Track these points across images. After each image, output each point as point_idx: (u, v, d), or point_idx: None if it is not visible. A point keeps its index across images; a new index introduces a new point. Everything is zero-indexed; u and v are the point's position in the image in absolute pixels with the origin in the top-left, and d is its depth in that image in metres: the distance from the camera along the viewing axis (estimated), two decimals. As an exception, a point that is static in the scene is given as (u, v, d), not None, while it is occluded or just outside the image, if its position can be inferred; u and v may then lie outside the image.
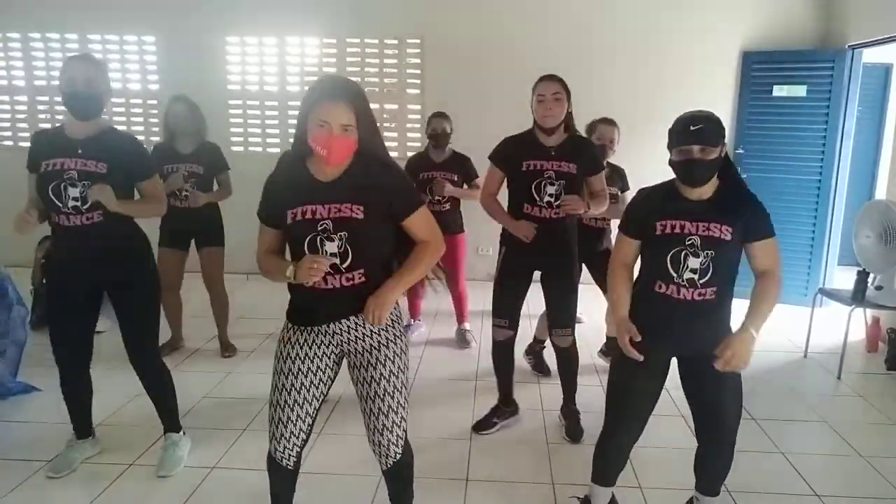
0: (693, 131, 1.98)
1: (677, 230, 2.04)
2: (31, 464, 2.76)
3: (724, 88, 5.55)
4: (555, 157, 2.88)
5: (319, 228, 1.85)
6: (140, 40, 5.84)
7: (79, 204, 2.44)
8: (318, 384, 2.00)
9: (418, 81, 5.78)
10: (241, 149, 5.89)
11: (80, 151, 2.45)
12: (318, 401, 2.02)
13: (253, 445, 2.97)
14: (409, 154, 5.77)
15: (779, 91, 5.33)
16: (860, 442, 3.15)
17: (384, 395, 1.98)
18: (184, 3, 5.68)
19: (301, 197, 1.88)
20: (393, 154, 5.93)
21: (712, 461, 2.27)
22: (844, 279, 4.77)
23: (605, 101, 5.63)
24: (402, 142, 5.89)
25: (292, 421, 1.98)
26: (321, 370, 1.99)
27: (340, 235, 1.85)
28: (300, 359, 1.97)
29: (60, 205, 2.44)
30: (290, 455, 2.01)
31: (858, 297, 4.03)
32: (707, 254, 2.02)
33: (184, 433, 2.88)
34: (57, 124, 2.55)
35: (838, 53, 5.11)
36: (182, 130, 3.85)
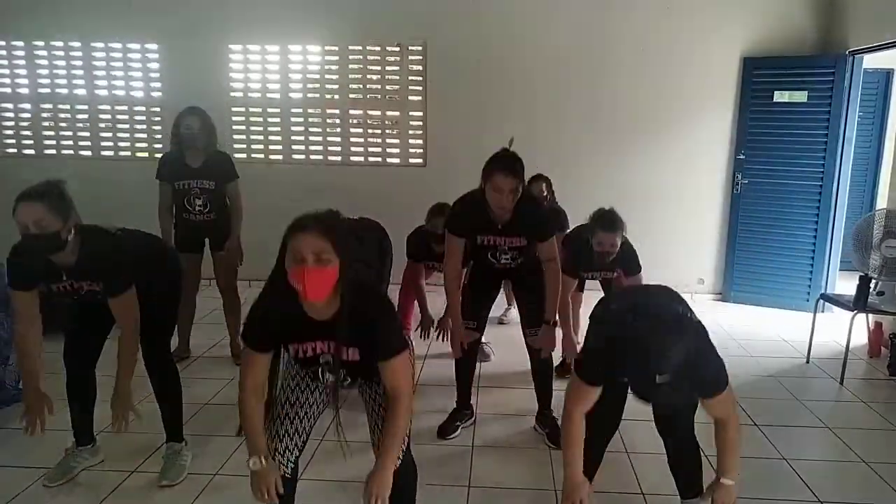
0: (658, 382, 1.92)
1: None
2: (31, 471, 2.76)
3: (724, 94, 5.56)
4: (504, 233, 2.98)
5: (322, 362, 1.94)
6: (143, 48, 5.86)
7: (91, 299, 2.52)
8: (320, 404, 2.08)
9: (420, 88, 5.79)
10: (244, 156, 5.90)
11: (65, 278, 2.45)
12: (318, 414, 2.09)
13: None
14: (411, 161, 5.85)
15: (779, 97, 5.34)
16: (863, 447, 3.15)
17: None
18: (187, 12, 5.70)
19: (300, 334, 1.90)
20: (394, 161, 5.96)
21: (679, 461, 2.30)
22: (846, 284, 4.76)
23: (607, 107, 5.66)
24: (405, 149, 5.90)
25: (289, 435, 2.04)
26: (320, 390, 2.06)
27: (342, 371, 1.95)
28: (300, 376, 2.00)
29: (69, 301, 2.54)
30: (287, 462, 2.05)
31: (860, 302, 4.03)
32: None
33: (186, 444, 2.87)
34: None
35: (839, 59, 5.12)
36: (193, 144, 3.84)
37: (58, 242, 2.34)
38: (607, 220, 3.34)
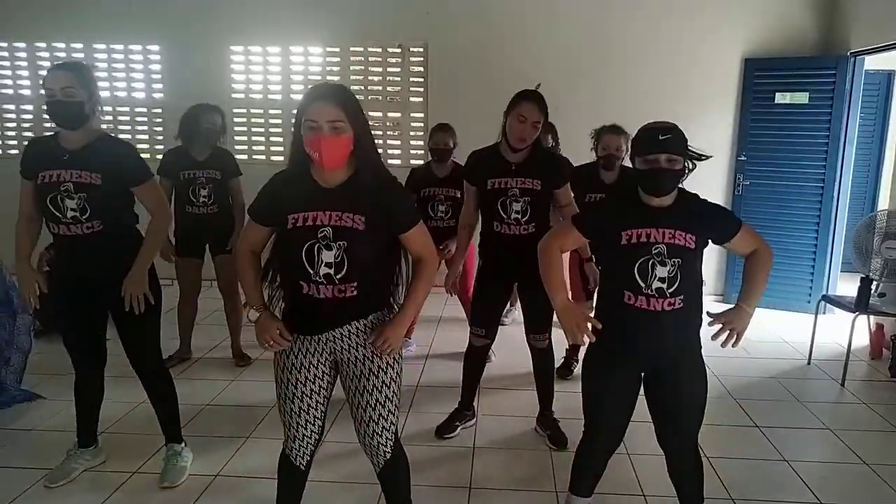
0: (661, 140, 1.99)
1: (643, 239, 2.02)
2: (32, 472, 2.76)
3: (726, 95, 5.56)
4: (517, 174, 2.90)
5: (319, 236, 1.86)
6: (145, 49, 5.88)
7: (77, 214, 2.44)
8: (319, 390, 2.03)
9: (422, 90, 5.80)
10: (245, 157, 5.90)
11: (66, 158, 2.44)
12: (322, 405, 2.06)
13: (256, 453, 2.97)
14: (413, 162, 5.85)
15: (781, 98, 5.34)
16: (864, 449, 3.14)
17: (375, 401, 2.00)
18: (188, 13, 5.72)
19: (303, 202, 1.88)
20: (396, 163, 5.99)
21: (679, 468, 2.26)
22: (848, 286, 4.76)
23: (608, 108, 5.65)
24: (406, 150, 5.91)
25: (301, 425, 2.03)
26: (318, 378, 2.01)
27: (339, 244, 1.85)
28: (297, 368, 1.99)
29: (59, 216, 2.45)
30: (304, 454, 2.06)
31: (862, 304, 4.02)
32: (674, 262, 2.00)
33: (185, 444, 2.87)
34: (51, 133, 2.54)
35: (840, 60, 5.12)
36: (211, 141, 3.86)
37: (80, 114, 2.42)
38: (611, 125, 3.63)
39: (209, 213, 3.86)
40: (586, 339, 2.07)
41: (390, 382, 2.02)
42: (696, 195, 2.17)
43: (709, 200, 2.17)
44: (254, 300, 1.99)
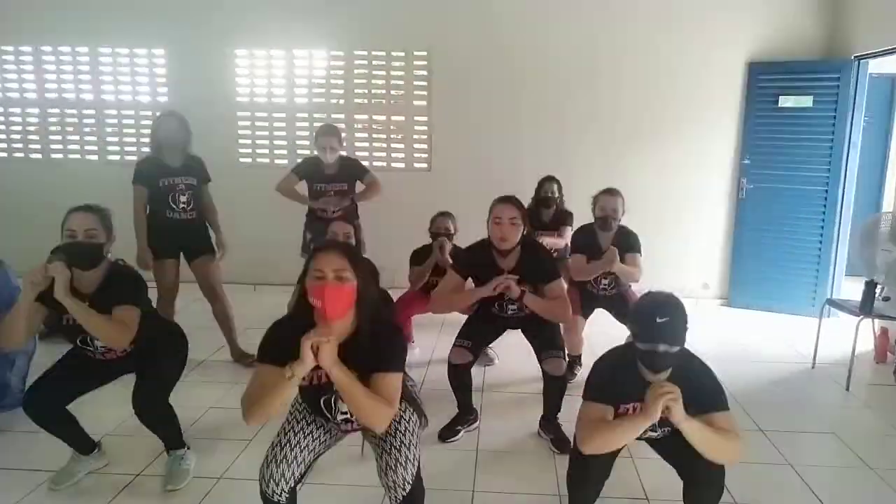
0: (660, 325, 2.03)
1: (639, 412, 2.09)
2: (37, 475, 2.77)
3: (729, 99, 5.56)
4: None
5: (335, 389, 1.94)
6: (150, 53, 5.90)
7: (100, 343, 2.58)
8: (323, 439, 2.13)
9: (425, 93, 5.81)
10: (250, 160, 5.93)
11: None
12: (317, 453, 2.13)
13: (259, 456, 2.93)
14: (416, 166, 5.86)
15: (785, 102, 5.33)
16: (869, 453, 3.13)
17: (399, 444, 2.03)
18: (193, 17, 5.74)
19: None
20: (399, 166, 6.00)
21: (699, 497, 2.23)
22: (852, 289, 4.75)
23: (612, 113, 5.67)
24: (409, 154, 5.91)
25: (287, 461, 2.01)
26: (326, 428, 2.12)
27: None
28: (308, 411, 2.11)
29: (91, 350, 2.62)
30: (282, 491, 2.01)
31: (867, 307, 4.01)
32: (665, 430, 2.19)
33: (188, 448, 2.87)
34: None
35: (844, 64, 5.12)
36: (172, 145, 3.88)
37: (98, 256, 2.51)
38: (606, 188, 3.81)
39: (188, 219, 3.93)
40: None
41: (413, 428, 2.13)
42: (696, 364, 2.20)
43: (708, 373, 2.19)
44: (282, 372, 1.87)
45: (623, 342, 2.37)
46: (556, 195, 4.64)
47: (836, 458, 3.14)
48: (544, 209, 4.66)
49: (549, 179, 4.65)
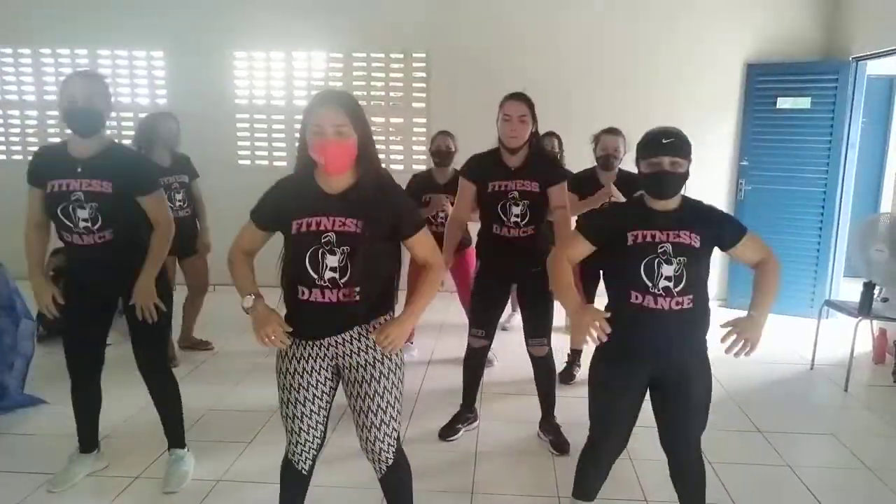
0: (665, 144, 2.05)
1: (649, 239, 2.05)
2: (35, 477, 2.77)
3: (728, 100, 5.57)
4: (517, 177, 2.95)
5: (323, 241, 1.87)
6: (149, 55, 5.91)
7: (89, 224, 2.46)
8: (322, 395, 2.03)
9: (424, 95, 5.81)
10: (248, 162, 5.93)
11: (79, 171, 2.44)
12: (324, 410, 2.06)
13: (258, 458, 2.97)
14: (415, 167, 5.86)
15: (783, 103, 5.35)
16: (867, 454, 3.14)
17: (376, 406, 2.00)
18: (192, 19, 5.75)
19: (308, 207, 1.90)
20: (398, 168, 6.01)
21: (682, 470, 2.26)
22: (851, 291, 4.75)
23: (610, 114, 5.66)
24: (408, 155, 5.92)
25: (304, 430, 2.03)
26: (321, 383, 2.01)
27: (343, 249, 1.86)
28: (299, 373, 1.99)
29: (71, 225, 2.46)
30: (306, 459, 2.06)
31: (865, 308, 4.02)
32: (679, 260, 2.03)
33: (188, 449, 2.87)
34: (59, 140, 2.55)
35: (842, 65, 5.13)
36: (171, 145, 3.97)
37: (99, 122, 2.47)
38: (608, 128, 3.78)
39: (184, 216, 3.95)
40: (603, 338, 2.06)
41: (392, 388, 2.01)
42: (700, 201, 2.20)
43: (715, 207, 2.20)
44: (247, 290, 1.98)
45: None
46: (557, 150, 4.51)
47: (835, 459, 3.14)
48: None
49: (550, 135, 4.51)
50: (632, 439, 2.27)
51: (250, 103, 5.94)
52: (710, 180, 5.66)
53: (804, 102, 5.26)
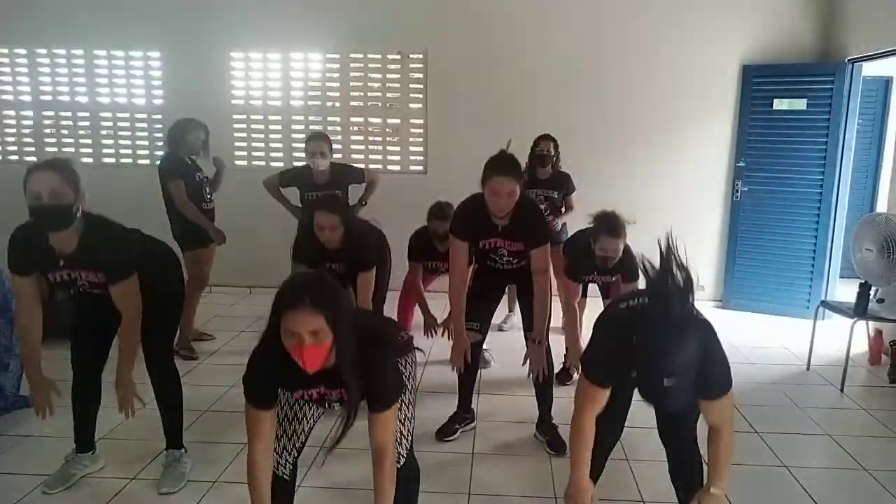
0: (667, 385, 1.80)
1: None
2: (31, 478, 2.76)
3: (724, 102, 5.58)
4: (505, 235, 3.01)
5: (326, 401, 1.99)
6: (145, 56, 5.89)
7: (100, 291, 2.52)
8: (312, 416, 2.11)
9: (421, 96, 5.81)
10: (245, 163, 5.92)
11: (62, 264, 2.39)
12: (313, 421, 2.11)
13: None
14: (412, 168, 5.87)
15: (779, 104, 5.36)
16: (863, 455, 3.14)
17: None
18: (189, 19, 5.73)
19: (302, 383, 1.90)
20: (395, 168, 5.96)
21: (679, 471, 2.29)
22: (846, 291, 4.77)
23: (607, 115, 5.68)
24: (405, 156, 5.91)
25: (287, 436, 2.05)
26: (314, 402, 2.05)
27: (334, 404, 2.00)
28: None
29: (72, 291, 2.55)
30: (286, 464, 2.07)
31: (861, 309, 4.03)
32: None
33: (185, 451, 2.87)
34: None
35: (838, 67, 5.14)
36: (193, 154, 4.19)
37: (68, 217, 2.30)
38: (611, 225, 3.31)
39: (210, 209, 4.25)
40: None
41: (408, 401, 2.08)
42: (706, 342, 1.96)
43: (718, 349, 2.05)
44: None
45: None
46: (553, 154, 4.53)
47: (831, 460, 3.15)
48: (540, 167, 4.54)
49: (545, 137, 4.52)
50: (629, 441, 2.28)
51: (247, 104, 5.93)
52: (706, 181, 5.68)
53: (800, 104, 5.27)
